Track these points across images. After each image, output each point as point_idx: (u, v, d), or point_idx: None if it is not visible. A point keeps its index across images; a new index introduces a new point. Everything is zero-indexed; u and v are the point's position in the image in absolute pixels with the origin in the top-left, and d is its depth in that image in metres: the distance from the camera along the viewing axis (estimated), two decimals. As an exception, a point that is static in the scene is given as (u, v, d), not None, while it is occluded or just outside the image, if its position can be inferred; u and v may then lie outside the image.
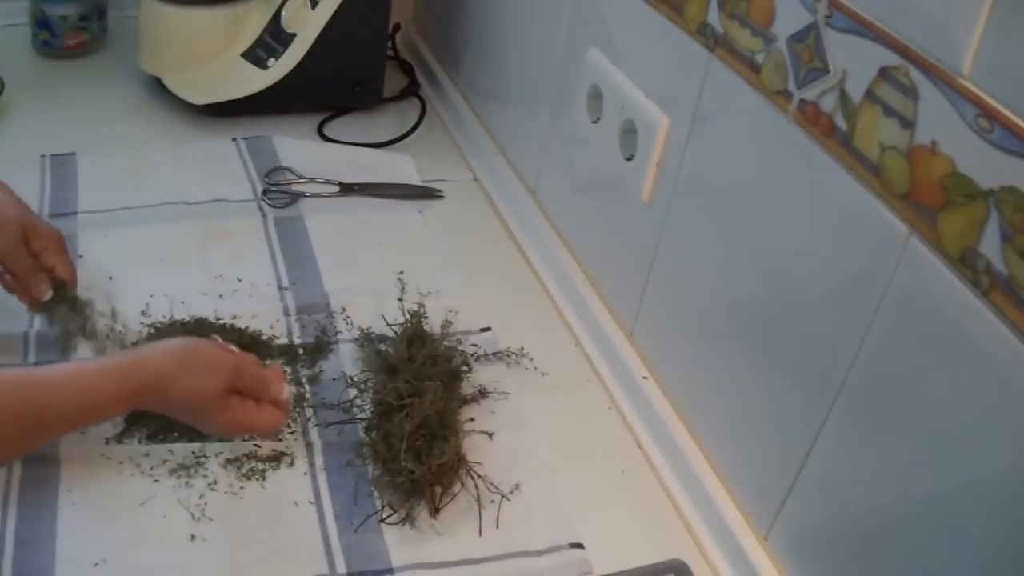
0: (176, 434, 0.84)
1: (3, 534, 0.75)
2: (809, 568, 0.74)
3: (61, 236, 0.89)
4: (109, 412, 0.77)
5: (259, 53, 1.26)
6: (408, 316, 0.95)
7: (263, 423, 0.79)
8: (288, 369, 0.92)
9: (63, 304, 0.88)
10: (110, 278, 0.98)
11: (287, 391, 0.81)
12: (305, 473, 0.83)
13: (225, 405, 0.76)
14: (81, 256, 1.01)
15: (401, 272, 1.05)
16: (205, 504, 0.79)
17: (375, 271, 1.05)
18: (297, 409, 0.88)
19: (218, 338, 0.82)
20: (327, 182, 1.17)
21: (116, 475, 0.80)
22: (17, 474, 0.79)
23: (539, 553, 0.79)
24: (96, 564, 0.74)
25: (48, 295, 0.87)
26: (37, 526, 0.76)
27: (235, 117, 1.26)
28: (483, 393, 0.92)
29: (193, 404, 0.76)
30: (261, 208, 1.13)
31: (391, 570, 0.76)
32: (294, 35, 1.24)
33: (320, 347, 0.95)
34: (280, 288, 1.01)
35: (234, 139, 1.23)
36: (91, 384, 0.74)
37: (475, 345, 0.97)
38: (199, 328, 0.93)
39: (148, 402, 0.76)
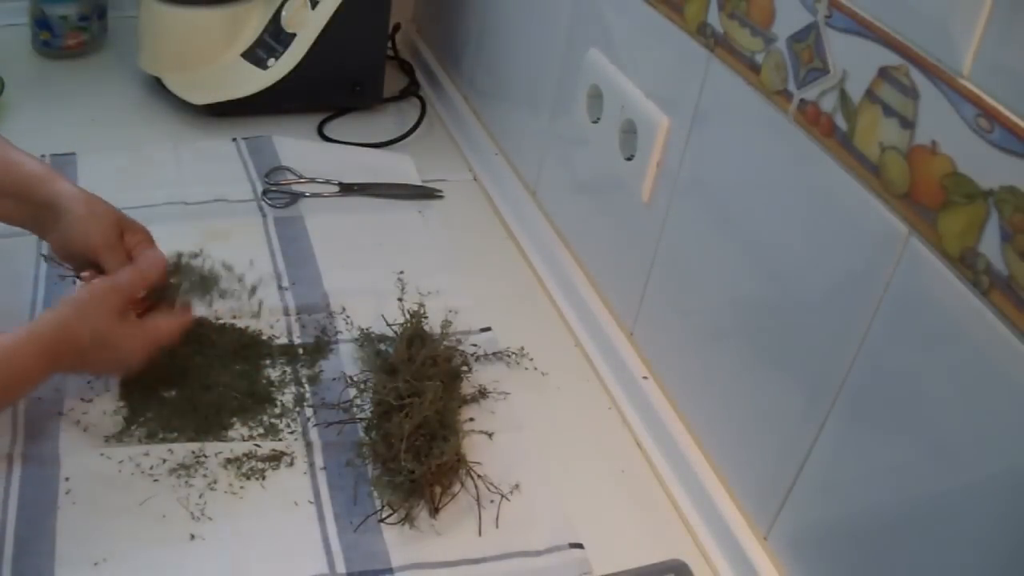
0: (176, 433, 0.84)
1: (3, 533, 0.75)
2: (809, 568, 0.74)
3: (149, 232, 0.90)
4: (34, 377, 0.78)
5: (259, 53, 1.26)
6: (408, 316, 0.95)
7: (165, 326, 0.84)
8: (288, 369, 0.92)
9: (170, 289, 0.88)
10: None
11: (158, 253, 0.85)
12: (305, 473, 0.83)
13: (127, 325, 0.81)
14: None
15: (401, 272, 1.05)
16: (205, 504, 0.79)
17: (375, 271, 1.05)
18: (297, 409, 0.88)
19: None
20: (327, 182, 1.17)
21: (116, 474, 0.80)
22: (17, 473, 0.79)
23: (539, 553, 0.79)
24: (96, 563, 0.74)
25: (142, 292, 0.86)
26: (37, 525, 0.76)
27: (235, 117, 1.26)
28: (483, 393, 0.92)
29: (100, 336, 0.79)
30: (261, 208, 1.13)
31: (391, 570, 0.76)
32: (294, 35, 1.24)
33: (320, 347, 0.95)
34: (280, 288, 1.01)
35: (234, 139, 1.23)
36: (10, 354, 0.75)
37: (475, 345, 0.97)
38: (198, 328, 0.93)
39: (64, 355, 0.78)
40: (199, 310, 0.91)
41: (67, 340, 0.78)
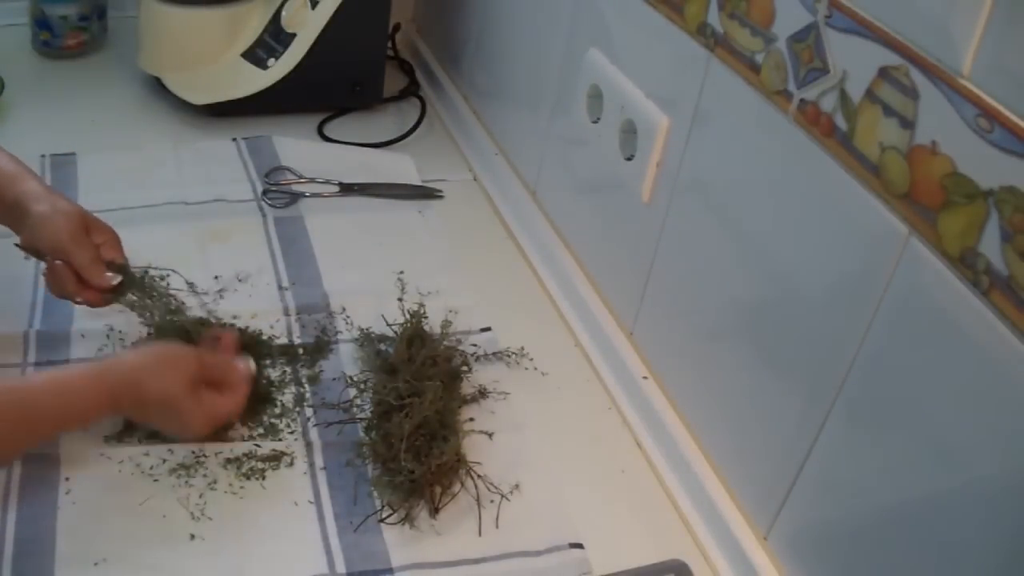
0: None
1: (3, 533, 0.75)
2: (809, 568, 0.74)
3: (117, 234, 0.90)
4: (92, 414, 0.78)
5: (259, 53, 1.26)
6: (408, 316, 0.95)
7: (228, 408, 0.83)
8: (288, 369, 0.92)
9: (131, 287, 0.89)
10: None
11: (250, 363, 0.85)
12: (305, 473, 0.83)
13: (196, 398, 0.79)
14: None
15: (401, 272, 1.05)
16: (205, 503, 0.79)
17: (375, 271, 1.05)
18: (297, 409, 0.88)
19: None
20: (327, 182, 1.17)
21: (116, 474, 0.80)
22: (17, 473, 0.79)
23: (539, 553, 0.79)
24: (96, 563, 0.74)
25: (116, 279, 0.87)
26: (37, 525, 0.76)
27: (235, 117, 1.26)
28: (483, 393, 0.92)
29: (167, 399, 0.78)
30: (261, 208, 1.13)
31: (391, 570, 0.76)
32: (294, 35, 1.24)
33: (320, 347, 0.95)
34: (280, 288, 1.01)
35: (234, 139, 1.23)
36: (75, 388, 0.76)
37: (475, 345, 0.97)
38: (199, 328, 0.93)
39: (125, 401, 0.77)
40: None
41: (133, 392, 0.77)
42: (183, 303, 0.93)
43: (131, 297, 0.89)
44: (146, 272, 0.91)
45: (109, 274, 0.87)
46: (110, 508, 0.78)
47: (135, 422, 0.84)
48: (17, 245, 0.89)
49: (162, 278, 0.93)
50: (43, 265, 0.97)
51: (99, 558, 0.74)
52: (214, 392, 0.81)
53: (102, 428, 0.83)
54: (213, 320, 0.95)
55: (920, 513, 0.63)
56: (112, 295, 0.88)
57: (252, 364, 0.85)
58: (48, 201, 0.86)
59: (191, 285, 0.97)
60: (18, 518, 0.76)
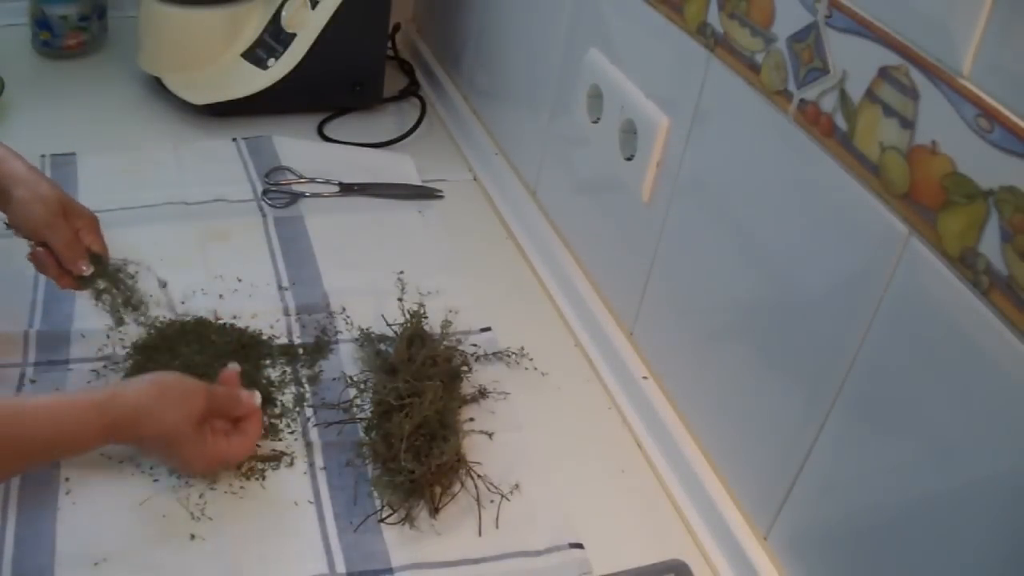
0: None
1: (3, 533, 0.75)
2: (809, 568, 0.74)
3: (96, 218, 0.90)
4: (88, 444, 0.77)
5: (259, 53, 1.26)
6: (408, 316, 0.95)
7: (234, 453, 0.81)
8: (288, 369, 0.92)
9: (102, 278, 0.89)
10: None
11: (256, 396, 0.82)
12: (305, 473, 0.83)
13: (200, 438, 0.77)
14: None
15: (401, 272, 1.05)
16: (205, 503, 0.79)
17: (375, 271, 1.05)
18: (297, 409, 0.88)
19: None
20: (327, 182, 1.17)
21: (116, 474, 0.80)
22: (17, 474, 0.79)
23: (539, 553, 0.79)
24: (96, 563, 0.74)
25: (89, 270, 0.88)
26: (37, 525, 0.76)
27: (235, 117, 1.26)
28: (483, 393, 0.92)
29: (169, 438, 0.76)
30: (261, 208, 1.13)
31: (391, 570, 0.76)
32: (294, 35, 1.24)
33: (320, 347, 0.95)
34: (280, 288, 1.01)
35: (234, 139, 1.23)
36: (72, 417, 0.74)
37: (475, 345, 0.97)
38: (199, 328, 0.93)
39: (125, 435, 0.76)
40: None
41: (133, 429, 0.75)
42: (145, 301, 0.92)
43: (98, 285, 0.89)
44: (124, 264, 0.91)
45: (82, 263, 0.87)
46: (110, 508, 0.78)
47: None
48: (6, 224, 0.90)
49: (133, 273, 0.92)
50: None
51: (99, 558, 0.74)
52: (221, 432, 0.79)
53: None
54: (214, 320, 0.95)
55: (920, 513, 0.63)
56: (83, 282, 0.88)
57: (259, 397, 0.82)
58: (28, 185, 0.87)
59: (163, 283, 0.97)
60: (18, 518, 0.76)
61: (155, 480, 0.80)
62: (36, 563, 0.73)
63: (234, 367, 0.85)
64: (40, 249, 0.87)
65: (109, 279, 0.90)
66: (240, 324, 0.95)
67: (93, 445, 0.77)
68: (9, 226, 0.90)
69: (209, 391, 0.79)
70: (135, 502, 0.78)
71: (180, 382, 0.78)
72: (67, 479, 0.79)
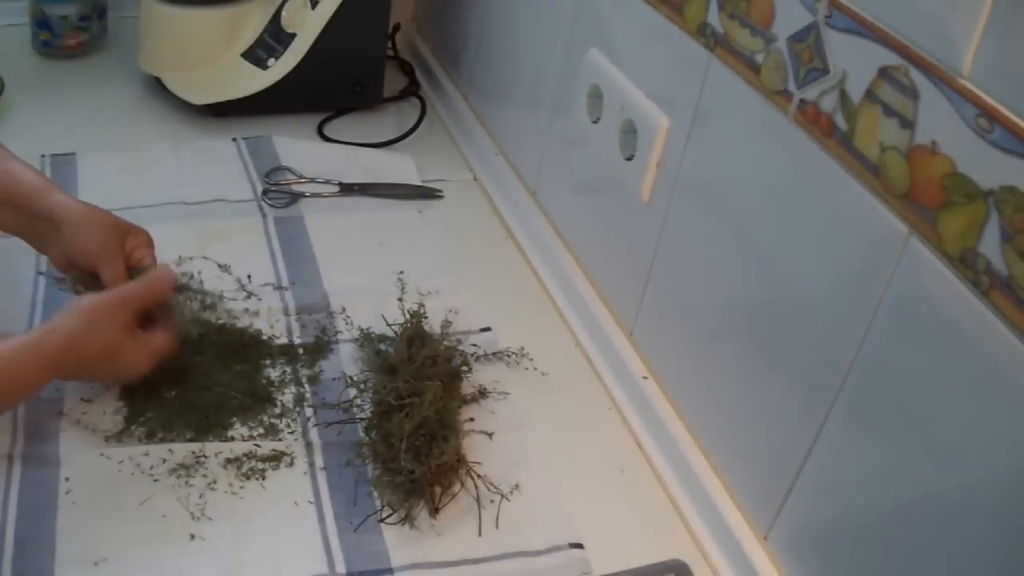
0: (176, 433, 0.84)
1: (3, 533, 0.75)
2: (809, 568, 0.74)
3: (148, 234, 0.91)
4: (32, 383, 0.78)
5: (259, 53, 1.26)
6: (408, 316, 0.95)
7: (166, 336, 0.84)
8: (288, 369, 0.92)
9: (171, 305, 0.89)
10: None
11: (170, 268, 0.86)
12: (305, 473, 0.83)
13: (135, 340, 0.81)
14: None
15: (401, 272, 1.05)
16: (205, 504, 0.79)
17: (375, 271, 1.05)
18: (297, 409, 0.88)
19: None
20: (327, 182, 1.17)
21: (116, 475, 0.80)
22: (17, 474, 0.79)
23: (539, 553, 0.79)
24: (96, 563, 0.74)
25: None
26: (37, 526, 0.76)
27: (235, 117, 1.26)
28: (483, 393, 0.92)
29: (110, 350, 0.80)
30: (261, 208, 1.13)
31: (391, 570, 0.76)
32: (294, 35, 1.24)
33: (320, 347, 0.95)
34: (280, 288, 1.01)
35: (234, 139, 1.23)
36: (10, 360, 0.76)
37: (475, 345, 0.97)
38: (199, 328, 0.93)
39: (68, 365, 0.78)
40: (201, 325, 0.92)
41: (73, 351, 0.78)
42: (217, 296, 0.95)
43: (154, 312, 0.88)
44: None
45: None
46: (110, 508, 0.78)
47: (77, 380, 0.85)
48: (43, 273, 0.89)
49: (190, 279, 0.94)
50: (43, 264, 0.98)
51: (99, 558, 0.74)
52: (146, 326, 0.83)
53: (102, 428, 0.84)
54: (214, 320, 0.95)
55: (920, 513, 0.63)
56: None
57: (171, 270, 0.85)
58: (83, 214, 0.86)
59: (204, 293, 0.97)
60: (18, 518, 0.76)
61: (155, 480, 0.80)
62: (36, 563, 0.73)
63: (167, 272, 0.87)
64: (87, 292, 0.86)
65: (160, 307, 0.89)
66: (240, 324, 0.95)
67: (37, 382, 0.78)
68: (46, 274, 0.89)
69: (125, 295, 0.82)
70: (135, 502, 0.78)
71: (100, 300, 0.81)
72: (67, 479, 0.79)
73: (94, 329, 0.79)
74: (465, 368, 0.93)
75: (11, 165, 0.88)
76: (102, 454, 0.81)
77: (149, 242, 0.90)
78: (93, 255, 0.86)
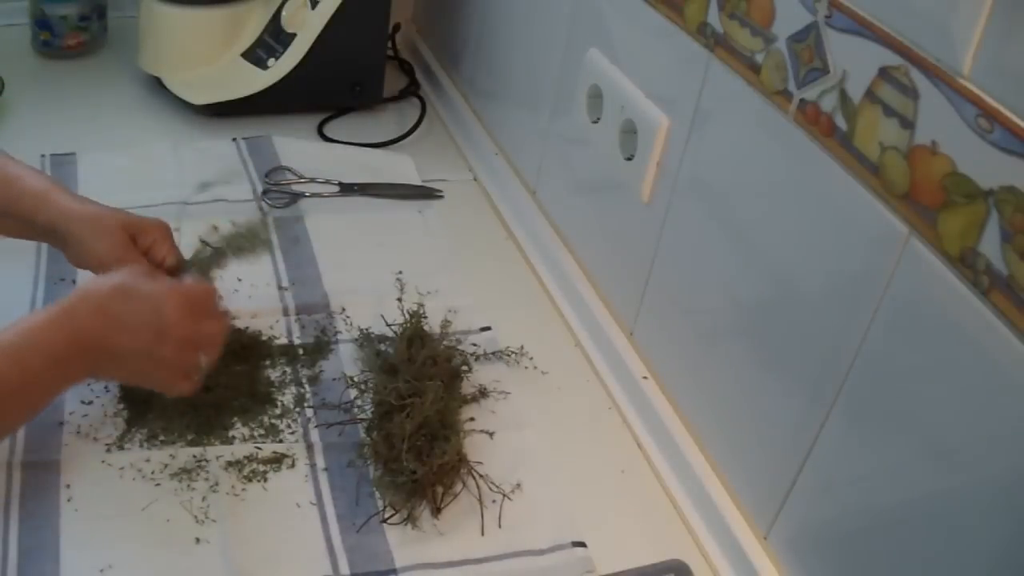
0: (176, 435, 0.84)
1: (6, 543, 0.75)
2: (809, 568, 0.74)
3: (167, 225, 0.87)
4: (60, 387, 0.77)
5: (259, 53, 1.26)
6: (408, 316, 0.95)
7: (214, 329, 0.81)
8: (288, 369, 0.92)
9: (201, 271, 0.87)
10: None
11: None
12: (306, 474, 0.83)
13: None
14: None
15: (401, 272, 1.05)
16: (208, 507, 0.79)
17: (375, 271, 1.05)
18: (297, 410, 0.88)
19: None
20: (327, 182, 1.17)
21: (117, 480, 0.80)
22: (18, 482, 0.79)
23: (542, 552, 0.79)
24: (101, 570, 0.74)
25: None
26: (40, 534, 0.75)
27: (235, 117, 1.26)
28: (483, 393, 0.92)
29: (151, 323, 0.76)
30: (261, 208, 1.13)
31: (394, 570, 0.77)
32: (294, 35, 1.24)
33: (320, 347, 0.95)
34: (280, 288, 1.02)
35: (234, 139, 1.23)
36: (42, 337, 0.74)
37: (475, 345, 0.97)
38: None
39: (99, 369, 0.76)
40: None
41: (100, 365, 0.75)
42: (253, 231, 0.91)
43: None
44: (202, 248, 0.88)
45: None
46: (113, 514, 0.78)
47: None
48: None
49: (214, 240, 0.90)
50: (43, 266, 0.97)
51: (105, 565, 0.74)
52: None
53: (103, 432, 0.83)
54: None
55: (920, 513, 0.63)
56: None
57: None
58: (88, 222, 0.82)
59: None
60: (20, 527, 0.76)
61: (157, 485, 0.80)
62: (41, 572, 0.73)
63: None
64: None
65: (202, 269, 0.87)
66: (240, 324, 0.95)
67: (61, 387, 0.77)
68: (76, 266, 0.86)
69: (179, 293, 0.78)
70: (137, 507, 0.78)
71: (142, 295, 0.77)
72: (68, 486, 0.79)
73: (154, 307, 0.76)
74: (465, 368, 0.93)
75: (11, 172, 0.84)
76: (103, 460, 0.81)
77: (166, 234, 0.86)
78: (105, 265, 0.81)
